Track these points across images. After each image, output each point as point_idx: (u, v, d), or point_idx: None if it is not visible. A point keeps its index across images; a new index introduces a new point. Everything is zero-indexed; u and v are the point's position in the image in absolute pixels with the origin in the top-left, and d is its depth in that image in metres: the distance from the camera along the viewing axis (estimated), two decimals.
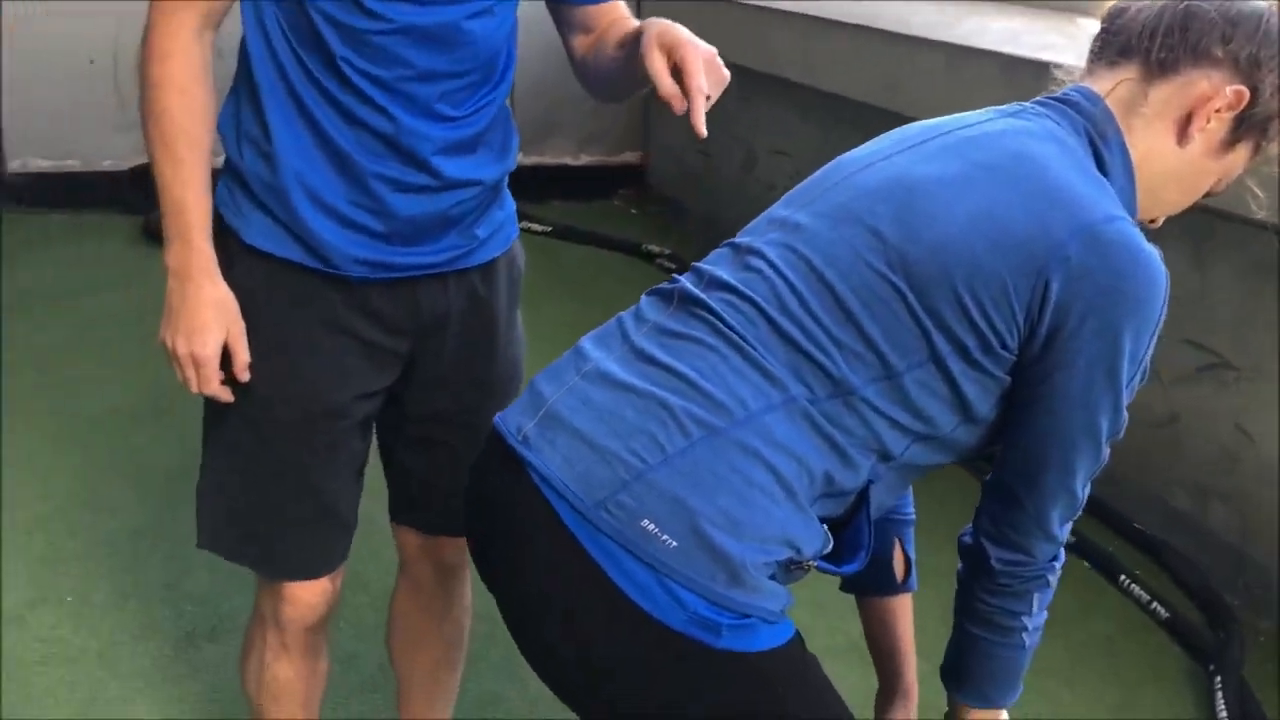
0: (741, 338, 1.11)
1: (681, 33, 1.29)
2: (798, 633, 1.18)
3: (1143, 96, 1.22)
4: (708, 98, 1.25)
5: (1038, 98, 1.26)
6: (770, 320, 1.12)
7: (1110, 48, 1.25)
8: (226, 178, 1.51)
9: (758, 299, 1.13)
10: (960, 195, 1.13)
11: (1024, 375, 1.14)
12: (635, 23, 1.44)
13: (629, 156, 5.79)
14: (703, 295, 1.15)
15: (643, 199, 5.81)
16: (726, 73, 1.29)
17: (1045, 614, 1.27)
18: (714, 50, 1.29)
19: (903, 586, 1.46)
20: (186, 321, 1.44)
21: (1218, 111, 1.20)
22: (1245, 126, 1.22)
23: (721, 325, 1.12)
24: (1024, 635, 1.25)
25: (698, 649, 1.08)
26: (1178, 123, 1.21)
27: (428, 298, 1.56)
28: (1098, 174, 1.18)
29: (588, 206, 5.58)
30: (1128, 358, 1.12)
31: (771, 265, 1.14)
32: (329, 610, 1.68)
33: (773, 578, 1.12)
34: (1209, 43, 1.20)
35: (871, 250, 1.12)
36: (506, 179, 1.63)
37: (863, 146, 1.26)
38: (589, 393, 1.13)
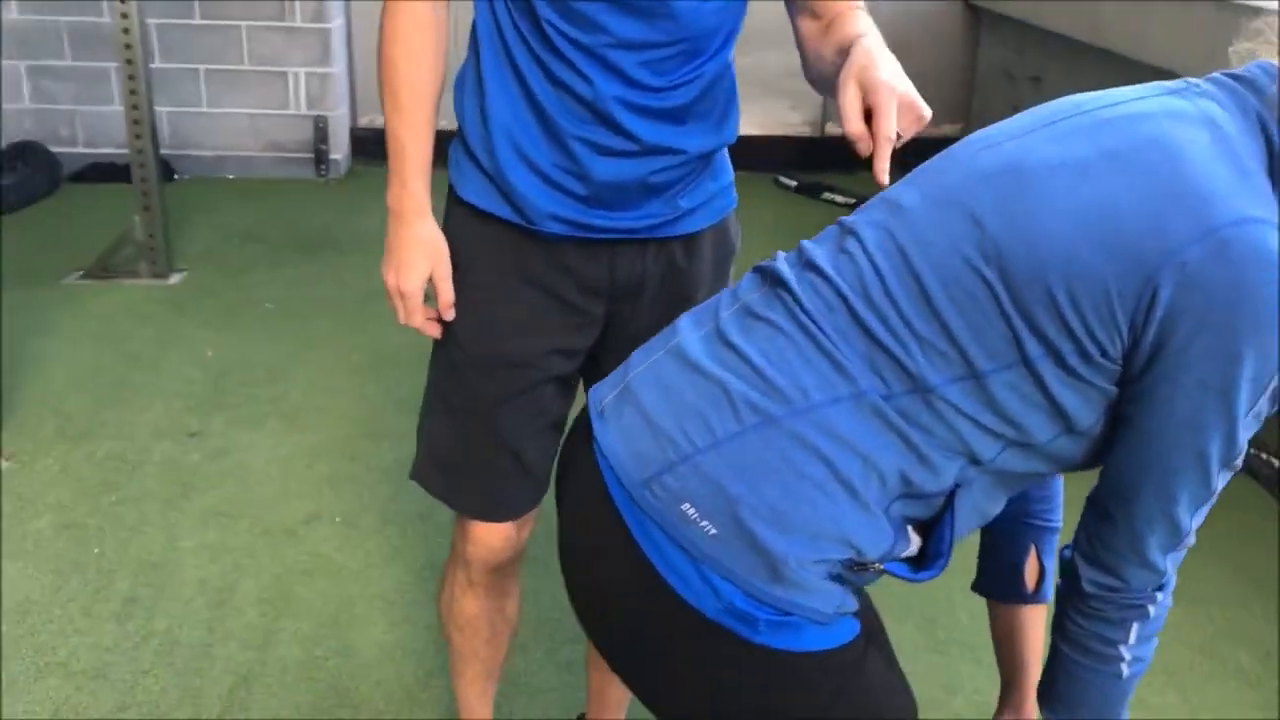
0: (817, 325, 1.06)
1: (880, 73, 1.23)
2: (862, 636, 1.12)
3: None
4: (900, 137, 1.21)
5: (1213, 73, 1.10)
6: (850, 308, 1.05)
7: None
8: (456, 137, 1.59)
9: (842, 284, 1.06)
10: (1073, 185, 1.01)
11: (1129, 388, 1.02)
12: (860, 27, 1.40)
13: (949, 129, 5.59)
14: (790, 276, 1.10)
15: None
16: (927, 112, 1.24)
17: (1151, 644, 1.15)
18: (912, 92, 1.23)
19: (1034, 597, 1.36)
20: (396, 256, 1.54)
21: None
22: None
23: (799, 310, 1.07)
24: (1121, 665, 1.14)
25: (733, 641, 1.05)
26: None
27: (625, 261, 1.58)
28: (1254, 167, 1.02)
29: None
30: (1248, 381, 0.98)
31: (864, 249, 1.08)
32: (513, 555, 1.75)
33: (833, 577, 1.07)
34: None
35: (968, 239, 1.03)
36: (724, 151, 1.63)
37: (1001, 122, 1.15)
38: (663, 369, 1.12)
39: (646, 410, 1.10)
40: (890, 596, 1.30)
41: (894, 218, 1.09)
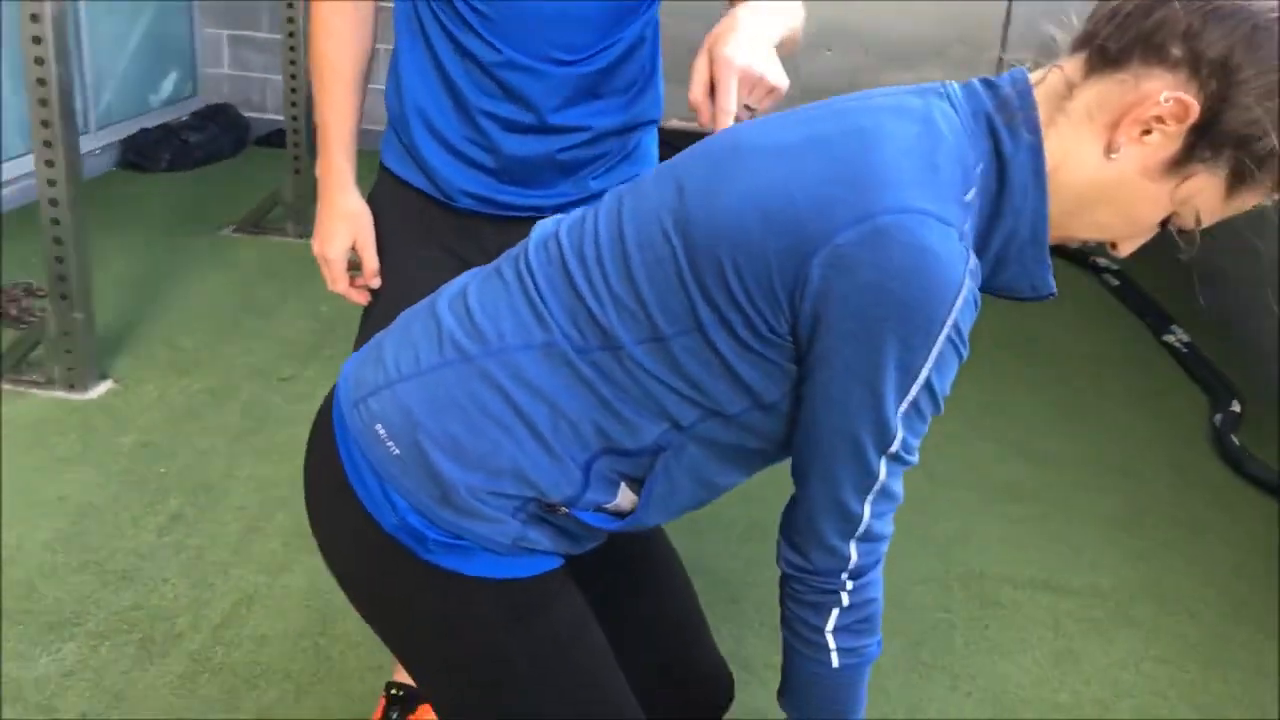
0: (532, 277, 1.11)
1: (725, 45, 1.24)
2: (551, 581, 1.16)
3: (1073, 90, 1.02)
4: (751, 110, 1.23)
5: (974, 78, 1.08)
6: (564, 263, 1.09)
7: (1081, 32, 1.05)
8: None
9: (565, 242, 1.11)
10: (765, 165, 1.02)
11: (802, 368, 1.03)
12: None
13: None
14: (535, 238, 1.16)
15: None
16: (781, 83, 1.25)
17: (867, 640, 1.13)
18: (760, 65, 1.23)
19: None
20: (321, 226, 1.66)
21: (1159, 121, 0.98)
22: (1202, 148, 0.98)
23: (523, 263, 1.12)
24: (830, 654, 1.12)
25: (407, 556, 1.12)
26: (1107, 128, 1.01)
27: None
28: (950, 166, 1.00)
29: None
30: (894, 370, 0.97)
31: (596, 213, 1.12)
32: None
33: (518, 513, 1.11)
34: (1166, 36, 0.97)
35: (667, 207, 1.05)
36: (647, 135, 1.65)
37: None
38: (415, 310, 1.19)
39: (382, 342, 1.19)
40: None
41: (628, 189, 1.13)
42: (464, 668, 1.17)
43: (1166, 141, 0.99)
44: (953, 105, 1.05)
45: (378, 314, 1.67)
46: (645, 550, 1.38)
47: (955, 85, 1.08)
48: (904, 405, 1.00)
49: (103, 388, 3.18)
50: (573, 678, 1.19)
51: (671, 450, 1.10)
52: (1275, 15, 0.97)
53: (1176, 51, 0.97)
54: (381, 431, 1.12)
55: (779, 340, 1.02)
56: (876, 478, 1.04)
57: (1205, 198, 1.02)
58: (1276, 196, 1.03)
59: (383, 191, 1.68)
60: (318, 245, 1.66)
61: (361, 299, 1.69)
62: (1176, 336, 3.96)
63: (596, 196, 1.56)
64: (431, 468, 1.10)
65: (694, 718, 1.42)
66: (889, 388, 0.99)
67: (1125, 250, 1.10)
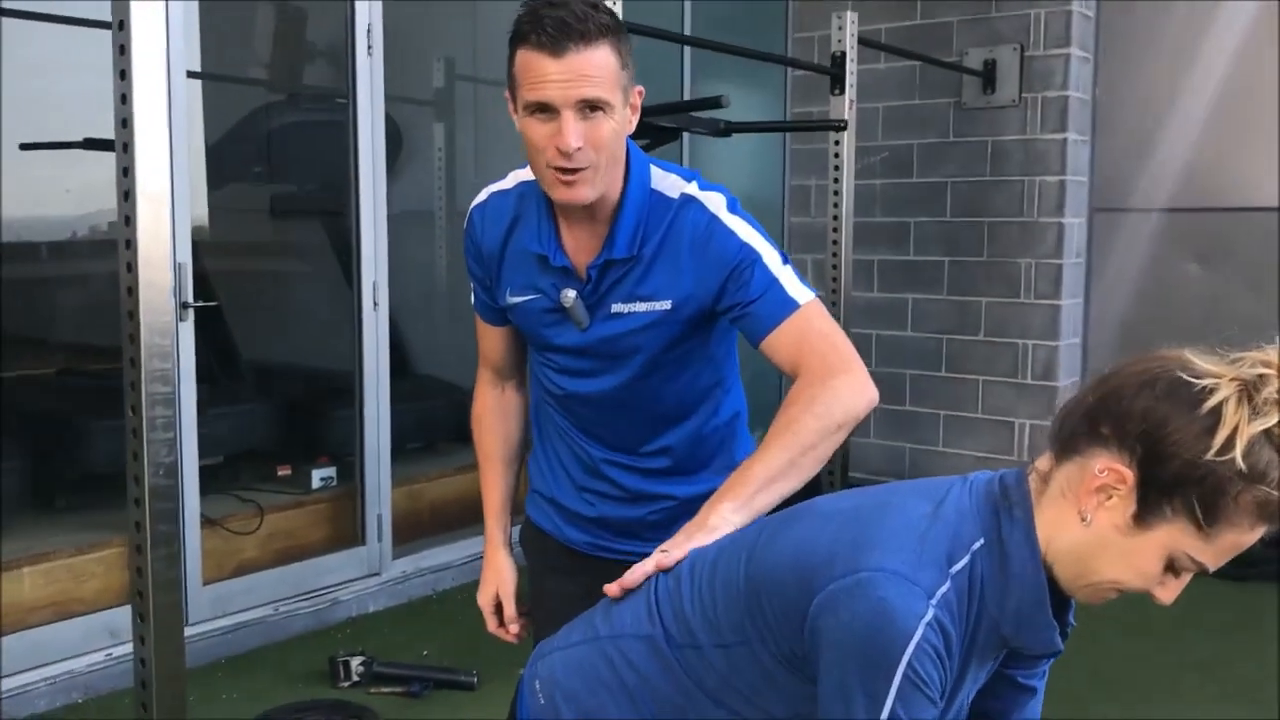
0: (656, 582, 1.43)
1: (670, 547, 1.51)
2: None
3: (1048, 478, 1.23)
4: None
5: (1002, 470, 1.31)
6: (679, 575, 1.42)
7: (1050, 432, 1.26)
8: None
9: (692, 557, 1.43)
10: (814, 523, 1.28)
11: None
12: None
13: None
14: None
15: None
16: (626, 579, 1.48)
17: None
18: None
19: None
20: (480, 577, 2.05)
21: (1111, 488, 1.15)
22: (1153, 500, 1.13)
23: (652, 583, 1.45)
24: None
25: None
26: (1076, 501, 1.19)
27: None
28: (940, 541, 1.20)
29: None
30: (863, 696, 1.15)
31: (721, 540, 1.44)
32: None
33: None
34: (1099, 418, 1.16)
35: (746, 545, 1.35)
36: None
37: None
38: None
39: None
40: None
41: (750, 525, 1.46)
42: None
43: (1123, 503, 1.16)
44: (970, 491, 1.26)
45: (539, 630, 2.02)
46: None
47: (984, 474, 1.30)
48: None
49: None
50: None
51: None
52: (1179, 372, 1.12)
53: (1106, 430, 1.17)
54: (537, 685, 1.48)
55: (800, 662, 1.25)
56: None
57: (1184, 541, 1.15)
58: (1264, 528, 1.12)
59: (528, 537, 2.06)
60: (477, 595, 2.05)
61: (509, 638, 2.03)
62: None
63: None
64: (558, 713, 1.43)
65: None
66: (860, 710, 1.17)
67: (1162, 597, 1.21)
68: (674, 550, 1.46)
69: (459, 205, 5.72)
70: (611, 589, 1.47)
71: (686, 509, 1.86)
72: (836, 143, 4.21)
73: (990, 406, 5.59)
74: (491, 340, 2.01)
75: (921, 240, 5.66)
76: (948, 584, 1.20)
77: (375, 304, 4.25)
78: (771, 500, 1.53)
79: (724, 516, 1.50)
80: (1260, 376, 1.10)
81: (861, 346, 1.78)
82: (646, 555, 1.92)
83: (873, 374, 1.66)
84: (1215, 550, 1.15)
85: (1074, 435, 1.21)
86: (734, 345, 1.90)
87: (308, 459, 4.48)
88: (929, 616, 1.17)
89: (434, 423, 5.05)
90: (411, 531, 4.58)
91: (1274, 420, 1.09)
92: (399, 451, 4.48)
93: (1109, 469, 1.16)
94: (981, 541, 1.22)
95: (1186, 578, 1.20)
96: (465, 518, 4.63)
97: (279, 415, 4.72)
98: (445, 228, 5.88)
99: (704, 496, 1.85)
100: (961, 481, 1.29)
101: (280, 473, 4.47)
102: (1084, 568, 1.22)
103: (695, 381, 1.85)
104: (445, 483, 4.82)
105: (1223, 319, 5.02)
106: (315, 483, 4.40)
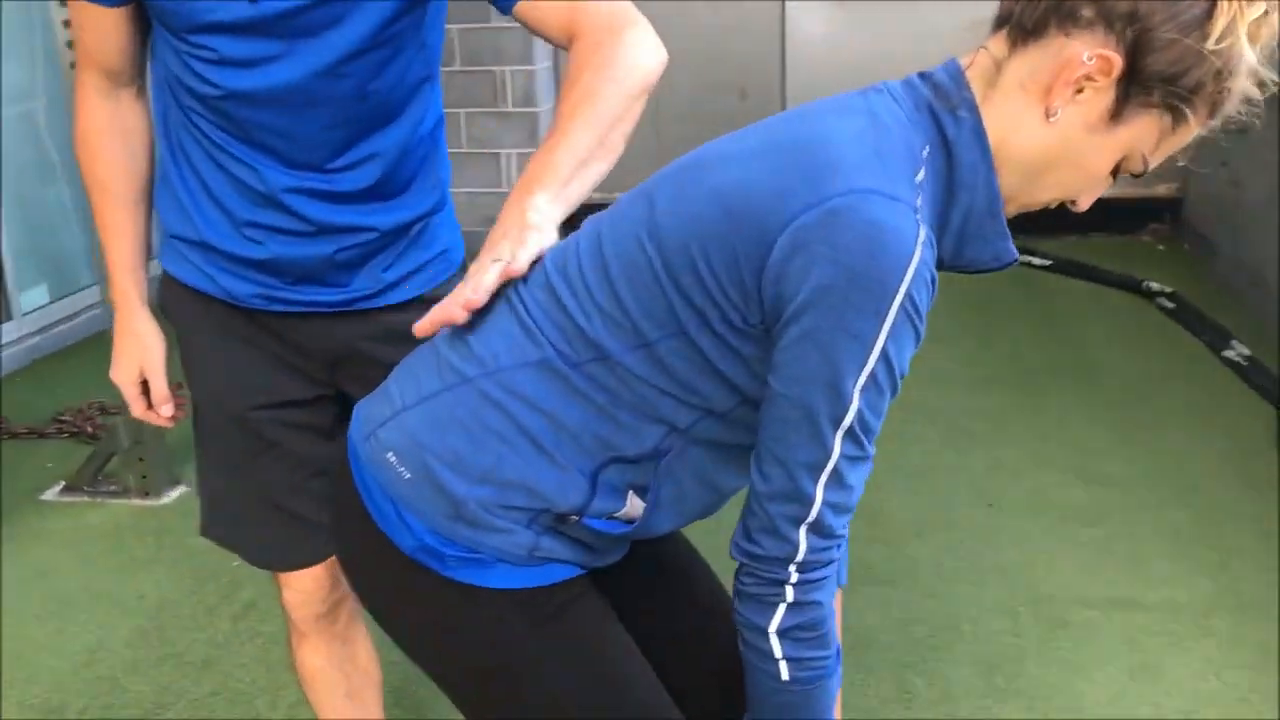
0: (521, 300, 1.15)
1: (485, 254, 1.19)
2: (571, 587, 1.18)
3: (1001, 66, 1.08)
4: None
5: (911, 74, 1.14)
6: (551, 286, 1.14)
7: (998, 11, 1.10)
8: None
9: (549, 268, 1.16)
10: (725, 169, 1.08)
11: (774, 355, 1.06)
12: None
13: (1163, 189, 5.37)
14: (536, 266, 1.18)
15: (1174, 235, 5.37)
16: (472, 298, 1.15)
17: (820, 654, 1.11)
18: (479, 285, 1.16)
19: None
20: (114, 350, 1.63)
21: (1088, 79, 1.03)
22: (1134, 94, 1.04)
23: (514, 290, 1.17)
24: (779, 665, 1.10)
25: (427, 574, 1.16)
26: (1041, 95, 1.06)
27: (340, 329, 1.58)
28: (897, 151, 1.05)
29: (1112, 240, 5.28)
30: (849, 339, 1.00)
31: (577, 240, 1.17)
32: (333, 600, 1.73)
33: (531, 524, 1.14)
34: (1075, 1, 1.03)
35: (641, 220, 1.11)
36: (444, 214, 1.61)
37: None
38: (421, 349, 1.24)
39: (387, 381, 1.24)
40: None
41: (608, 210, 1.18)
42: (493, 678, 1.20)
43: (1099, 96, 1.05)
44: (894, 99, 1.10)
45: (199, 415, 1.65)
46: (674, 557, 1.39)
47: (894, 82, 1.13)
48: (861, 378, 1.02)
49: (175, 493, 3.29)
50: (600, 676, 1.20)
51: (674, 453, 1.14)
52: None
53: (1087, 13, 1.03)
54: (392, 458, 1.17)
55: (753, 331, 1.06)
56: (830, 454, 1.04)
57: (1148, 138, 1.07)
58: (1210, 124, 1.08)
59: (170, 292, 1.63)
60: (111, 370, 1.64)
61: (162, 422, 1.66)
62: (1237, 351, 3.92)
63: (393, 287, 1.56)
64: (441, 486, 1.14)
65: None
66: (844, 357, 1.01)
67: (1085, 204, 1.14)
68: (519, 254, 1.16)
69: None
70: (452, 312, 1.15)
71: (384, 244, 1.55)
72: None
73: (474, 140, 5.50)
74: (101, 28, 1.48)
75: None
76: (920, 197, 1.05)
77: None
78: (586, 188, 1.26)
79: (541, 210, 1.20)
80: None
81: None
82: (331, 303, 1.53)
83: None
84: (1168, 147, 1.09)
85: (1043, 18, 1.04)
86: (442, 34, 1.55)
87: None
88: (923, 235, 1.01)
89: None
90: None
91: (1261, 9, 1.02)
92: None
93: (1098, 56, 1.02)
94: (928, 149, 1.08)
95: (1110, 183, 1.13)
96: None
97: None
98: None
99: (406, 227, 1.55)
100: (875, 92, 1.12)
101: None
102: (1035, 171, 1.10)
103: (406, 73, 1.48)
104: None
105: None
106: None
